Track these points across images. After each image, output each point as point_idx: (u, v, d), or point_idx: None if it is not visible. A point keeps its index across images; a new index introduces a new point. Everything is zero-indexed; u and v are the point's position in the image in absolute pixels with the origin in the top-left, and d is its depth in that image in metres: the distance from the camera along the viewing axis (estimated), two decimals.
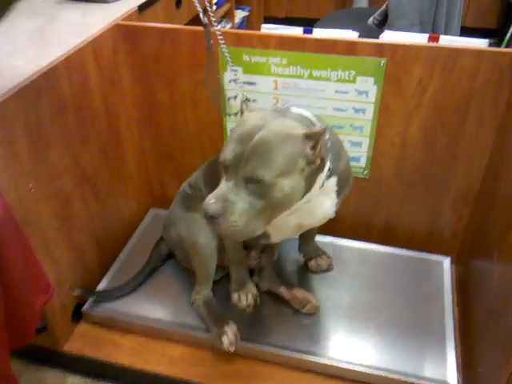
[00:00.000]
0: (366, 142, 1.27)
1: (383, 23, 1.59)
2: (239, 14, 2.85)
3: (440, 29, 1.53)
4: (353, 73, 1.17)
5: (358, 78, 1.18)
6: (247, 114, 0.91)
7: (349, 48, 1.15)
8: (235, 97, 1.29)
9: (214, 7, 2.42)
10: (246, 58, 1.24)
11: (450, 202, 1.31)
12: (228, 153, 0.84)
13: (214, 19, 1.13)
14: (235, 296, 1.20)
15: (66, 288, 1.20)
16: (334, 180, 0.98)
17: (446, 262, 1.33)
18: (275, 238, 1.10)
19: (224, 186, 0.83)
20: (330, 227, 1.41)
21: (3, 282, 0.75)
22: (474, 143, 1.20)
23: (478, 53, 1.08)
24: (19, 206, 1.00)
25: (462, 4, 1.61)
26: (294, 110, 0.95)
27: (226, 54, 1.16)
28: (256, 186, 0.81)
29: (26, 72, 1.03)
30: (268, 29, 1.28)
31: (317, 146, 0.84)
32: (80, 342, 1.22)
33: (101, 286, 1.31)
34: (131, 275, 1.30)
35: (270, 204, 0.83)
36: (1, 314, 0.76)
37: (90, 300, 1.26)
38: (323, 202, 1.00)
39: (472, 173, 1.24)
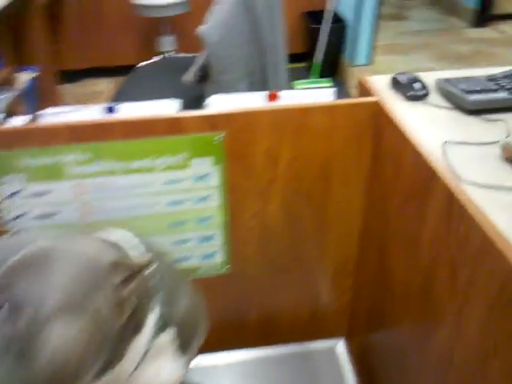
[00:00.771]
0: (218, 234, 0.99)
1: (204, 78, 1.34)
2: (24, 77, 2.37)
3: (270, 77, 1.34)
4: (184, 155, 0.89)
5: (193, 161, 0.90)
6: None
7: (173, 126, 0.86)
8: (22, 215, 0.90)
9: None
10: (27, 161, 0.86)
11: (329, 276, 1.10)
12: None
13: None
14: None
15: None
16: (169, 334, 0.67)
17: (339, 345, 1.13)
18: None
19: None
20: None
21: None
22: (344, 209, 1.00)
23: (329, 108, 0.88)
24: None
25: (285, 51, 1.43)
26: (109, 233, 0.63)
27: None
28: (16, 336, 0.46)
29: None
30: (51, 114, 0.93)
31: (130, 280, 0.54)
32: None
33: None
34: None
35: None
36: None
37: None
38: (158, 369, 0.67)
39: (347, 241, 1.05)
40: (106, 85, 3.47)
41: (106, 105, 0.94)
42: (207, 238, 0.99)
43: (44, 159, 0.85)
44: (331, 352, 1.11)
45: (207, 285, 1.05)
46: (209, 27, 1.22)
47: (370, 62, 3.39)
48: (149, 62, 2.97)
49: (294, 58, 2.30)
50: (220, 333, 1.12)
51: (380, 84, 0.98)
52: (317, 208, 1.00)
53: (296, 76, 2.89)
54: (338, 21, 3.16)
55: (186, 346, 0.70)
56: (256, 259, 1.05)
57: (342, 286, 1.12)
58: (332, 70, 3.32)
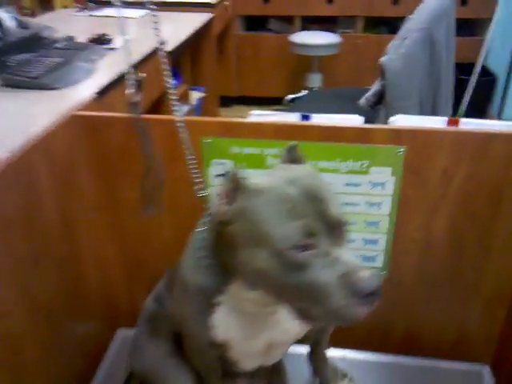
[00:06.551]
0: (382, 240, 1.08)
1: (376, 104, 1.47)
2: (194, 95, 2.71)
3: (440, 108, 1.43)
4: (366, 163, 1.00)
5: (372, 169, 1.01)
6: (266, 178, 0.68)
7: (360, 135, 0.98)
8: None
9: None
10: (235, 149, 1.04)
11: (481, 303, 1.12)
12: (307, 220, 0.61)
13: (176, 104, 0.93)
14: None
15: None
16: None
17: (485, 370, 1.13)
18: (244, 362, 0.89)
19: (344, 253, 0.62)
20: (340, 338, 1.18)
21: None
22: (508, 237, 1.03)
23: (510, 137, 0.94)
24: None
25: (453, 85, 1.52)
26: None
27: (185, 145, 0.94)
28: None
29: None
30: (258, 116, 1.10)
31: None
32: None
33: None
34: None
35: None
36: None
37: None
38: None
39: (507, 271, 1.07)
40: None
41: (301, 113, 1.09)
42: (371, 242, 1.08)
43: (251, 149, 1.02)
44: (477, 376, 1.12)
45: None
46: (389, 58, 1.36)
47: None
48: (299, 94, 3.19)
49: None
50: (367, 334, 1.19)
51: None
52: (482, 232, 1.04)
53: None
54: (487, 74, 3.13)
55: None
56: (412, 270, 1.11)
57: (494, 316, 1.13)
58: None
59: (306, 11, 3.60)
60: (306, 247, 0.60)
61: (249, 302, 0.74)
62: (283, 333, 0.83)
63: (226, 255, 0.68)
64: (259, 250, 0.61)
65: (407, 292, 1.14)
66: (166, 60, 0.94)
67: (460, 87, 3.20)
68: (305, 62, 3.61)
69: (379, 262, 1.10)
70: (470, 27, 3.48)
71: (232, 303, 0.76)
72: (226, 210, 0.65)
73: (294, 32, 3.58)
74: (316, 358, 1.06)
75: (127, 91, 0.97)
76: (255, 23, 3.83)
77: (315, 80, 3.59)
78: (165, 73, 0.93)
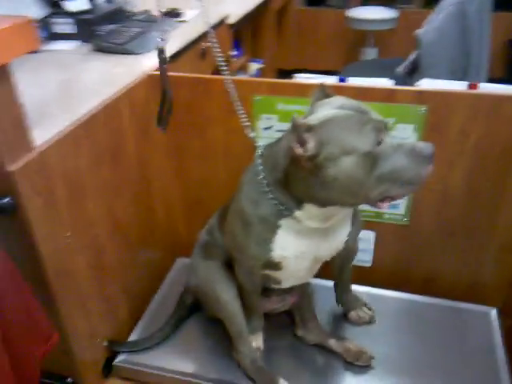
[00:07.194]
0: None
1: (413, 72, 1.61)
2: (253, 66, 2.91)
3: (470, 77, 1.54)
4: (392, 120, 1.16)
5: (398, 126, 1.17)
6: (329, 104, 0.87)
7: (388, 95, 1.14)
8: None
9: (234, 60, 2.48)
10: (280, 106, 1.23)
11: (494, 251, 1.26)
12: (372, 124, 0.81)
13: (226, 69, 1.11)
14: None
15: (97, 341, 1.14)
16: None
17: (493, 313, 1.27)
18: (286, 280, 1.09)
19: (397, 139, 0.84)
20: (367, 277, 1.37)
21: (3, 331, 0.77)
22: None
23: None
24: (54, 256, 0.96)
25: (488, 56, 1.63)
26: None
27: (236, 98, 1.11)
28: None
29: (63, 122, 1.02)
30: (301, 78, 1.28)
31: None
32: None
33: (131, 339, 1.24)
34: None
35: None
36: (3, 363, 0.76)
37: (122, 353, 1.19)
38: (342, 225, 1.00)
39: None
40: None
41: (339, 76, 1.26)
42: None
43: (294, 106, 1.21)
44: (484, 317, 1.26)
45: (389, 230, 1.31)
46: (425, 31, 1.49)
47: None
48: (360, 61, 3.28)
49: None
50: (390, 275, 1.37)
51: None
52: (496, 184, 1.18)
53: None
54: None
55: (353, 221, 1.03)
56: (431, 219, 1.27)
57: (504, 262, 1.26)
58: None
59: None
60: (379, 142, 0.80)
61: (313, 220, 0.91)
62: (327, 248, 1.01)
63: (303, 185, 0.85)
64: (349, 157, 0.79)
65: (426, 238, 1.30)
66: (214, 40, 1.12)
67: None
68: (361, 37, 3.70)
69: (402, 210, 1.27)
70: None
71: (291, 225, 0.93)
72: (308, 150, 0.79)
73: (353, 7, 3.66)
74: (340, 288, 1.25)
75: None
76: None
77: (371, 54, 3.67)
78: (214, 49, 1.11)
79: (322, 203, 0.87)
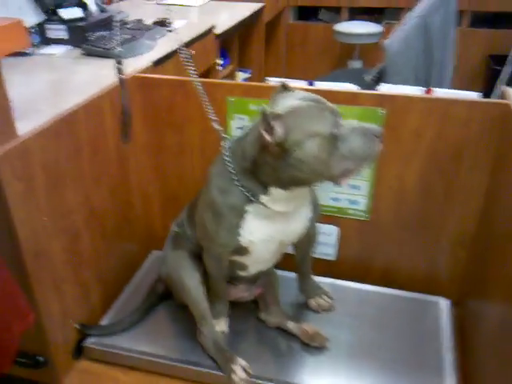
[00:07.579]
0: (364, 186, 1.33)
1: (379, 80, 1.71)
2: (241, 76, 3.02)
3: (432, 85, 1.64)
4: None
5: None
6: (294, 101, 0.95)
7: (351, 98, 1.24)
8: None
9: (220, 68, 2.59)
10: (252, 107, 1.32)
11: (447, 245, 1.35)
12: (331, 109, 0.93)
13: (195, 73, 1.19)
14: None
15: (69, 322, 1.20)
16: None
17: (444, 303, 1.35)
18: (252, 266, 1.17)
19: (350, 123, 0.95)
20: (332, 269, 1.45)
21: None
22: (469, 189, 1.26)
23: (470, 104, 1.16)
24: (33, 238, 1.04)
25: (452, 66, 1.74)
26: None
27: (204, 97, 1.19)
28: None
29: (48, 116, 1.10)
30: (272, 81, 1.38)
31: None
32: (79, 378, 1.21)
33: (103, 323, 1.31)
34: None
35: None
36: None
37: (92, 336, 1.26)
38: (304, 211, 1.10)
39: (468, 217, 1.29)
40: None
41: (308, 80, 1.36)
42: (355, 187, 1.33)
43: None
44: (437, 308, 1.34)
45: (351, 226, 1.40)
46: (390, 41, 1.60)
47: None
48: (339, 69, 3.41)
49: None
50: (352, 268, 1.45)
51: None
52: (447, 183, 1.27)
53: None
54: None
55: (313, 209, 1.13)
56: (390, 214, 1.35)
57: (456, 256, 1.35)
58: None
59: (353, 2, 3.81)
60: (338, 125, 0.91)
61: (278, 204, 1.00)
62: (291, 232, 1.10)
63: (271, 170, 0.94)
64: (313, 140, 0.89)
65: (385, 233, 1.38)
66: (188, 57, 1.20)
67: (494, 78, 3.31)
68: (347, 50, 3.83)
69: (362, 206, 1.36)
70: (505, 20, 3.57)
71: (258, 210, 1.01)
72: (277, 136, 0.89)
73: (341, 22, 3.80)
74: (301, 276, 1.33)
75: None
76: (307, 13, 4.08)
77: (356, 66, 3.79)
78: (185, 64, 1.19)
79: (288, 185, 0.97)
